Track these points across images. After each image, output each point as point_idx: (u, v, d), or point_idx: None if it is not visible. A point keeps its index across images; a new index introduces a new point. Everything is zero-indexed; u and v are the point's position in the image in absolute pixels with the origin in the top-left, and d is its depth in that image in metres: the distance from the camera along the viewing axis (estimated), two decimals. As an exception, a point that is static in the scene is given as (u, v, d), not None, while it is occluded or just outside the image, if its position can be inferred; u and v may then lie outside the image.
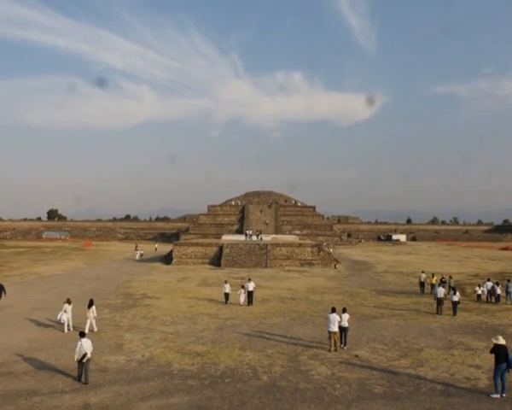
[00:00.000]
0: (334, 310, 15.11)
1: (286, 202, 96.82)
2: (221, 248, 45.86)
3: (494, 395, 10.90)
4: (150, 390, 11.05)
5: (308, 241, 55.88)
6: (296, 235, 72.16)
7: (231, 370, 12.64)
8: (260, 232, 63.98)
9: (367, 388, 11.43)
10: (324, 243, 62.69)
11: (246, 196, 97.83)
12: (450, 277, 29.10)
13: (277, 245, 47.56)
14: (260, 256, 44.69)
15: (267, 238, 58.44)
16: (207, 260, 45.37)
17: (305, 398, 10.73)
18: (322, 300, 25.01)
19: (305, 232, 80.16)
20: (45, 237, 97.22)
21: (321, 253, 46.98)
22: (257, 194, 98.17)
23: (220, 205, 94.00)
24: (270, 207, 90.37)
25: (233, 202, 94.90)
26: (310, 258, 45.52)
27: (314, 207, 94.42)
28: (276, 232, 76.42)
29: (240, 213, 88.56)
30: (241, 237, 59.31)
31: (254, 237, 58.14)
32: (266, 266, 42.91)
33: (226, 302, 23.22)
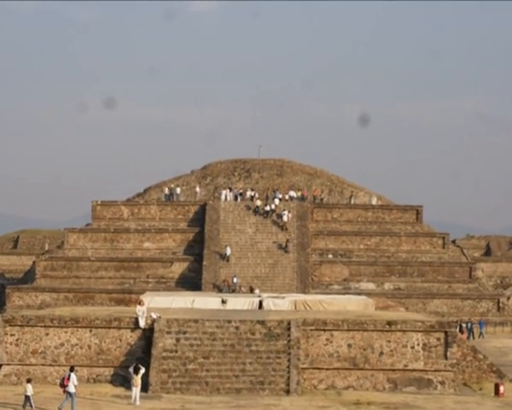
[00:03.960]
0: None
1: (331, 193, 46.87)
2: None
3: None
4: None
5: (410, 314, 25.85)
6: (368, 293, 33.08)
7: None
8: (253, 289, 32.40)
9: None
10: (458, 321, 29.61)
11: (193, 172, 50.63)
12: None
13: (319, 327, 18.05)
14: (268, 363, 16.83)
15: (281, 303, 24.16)
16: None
17: None
18: None
19: (393, 285, 39.38)
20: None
21: (452, 348, 17.81)
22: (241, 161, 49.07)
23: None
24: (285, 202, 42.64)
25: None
26: (419, 365, 17.84)
27: (418, 212, 44.43)
28: (305, 287, 36.16)
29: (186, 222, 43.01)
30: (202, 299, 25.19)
31: (242, 299, 25.57)
32: (289, 392, 15.97)
33: None
